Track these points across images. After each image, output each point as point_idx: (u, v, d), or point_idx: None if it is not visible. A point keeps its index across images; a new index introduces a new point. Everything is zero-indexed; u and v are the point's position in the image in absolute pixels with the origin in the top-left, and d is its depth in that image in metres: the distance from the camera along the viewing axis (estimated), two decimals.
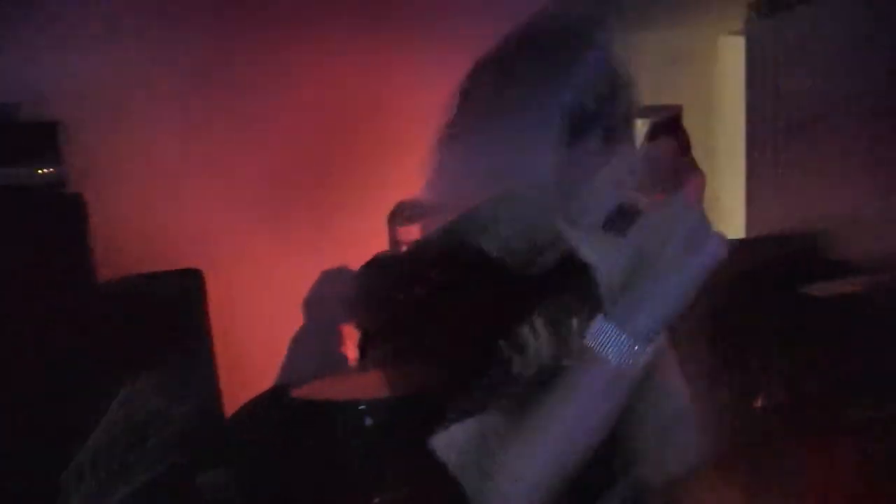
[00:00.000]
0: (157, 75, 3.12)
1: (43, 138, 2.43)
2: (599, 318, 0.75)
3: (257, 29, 3.33)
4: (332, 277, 3.59)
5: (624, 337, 0.73)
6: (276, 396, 3.10)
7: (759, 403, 3.69)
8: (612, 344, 0.73)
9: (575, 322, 0.89)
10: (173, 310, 2.77)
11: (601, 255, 0.81)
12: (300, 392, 2.23)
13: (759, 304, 3.87)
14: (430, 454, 0.80)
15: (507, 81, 0.86)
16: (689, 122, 6.47)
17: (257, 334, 3.43)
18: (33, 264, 2.34)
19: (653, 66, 6.55)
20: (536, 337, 0.85)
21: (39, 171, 2.35)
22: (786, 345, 3.76)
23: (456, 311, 0.83)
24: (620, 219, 0.77)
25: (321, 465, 2.72)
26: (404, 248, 2.94)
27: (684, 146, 3.94)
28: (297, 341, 3.58)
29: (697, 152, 4.57)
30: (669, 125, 4.01)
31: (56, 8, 2.92)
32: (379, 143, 3.71)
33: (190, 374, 2.73)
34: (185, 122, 3.20)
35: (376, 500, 2.11)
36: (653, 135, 4.06)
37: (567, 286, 0.89)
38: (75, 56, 2.92)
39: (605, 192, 0.84)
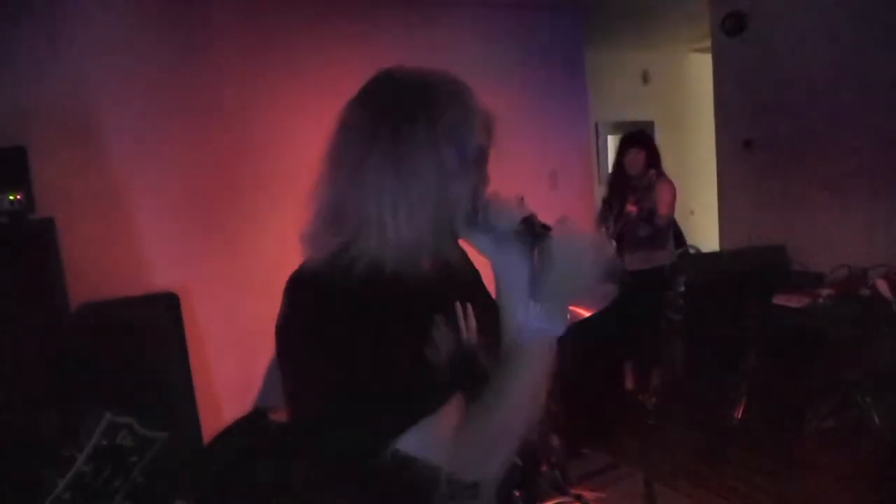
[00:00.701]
0: (124, 99, 3.10)
1: (10, 163, 2.39)
2: (531, 302, 0.91)
3: (225, 51, 3.34)
4: None
5: (556, 314, 0.91)
6: (254, 420, 3.06)
7: (737, 413, 3.73)
8: (545, 321, 0.90)
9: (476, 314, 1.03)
10: (150, 334, 2.72)
11: (504, 258, 0.98)
12: (280, 415, 2.20)
13: (733, 314, 3.93)
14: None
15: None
16: (661, 138, 6.60)
17: (232, 358, 3.39)
18: (5, 290, 2.30)
19: (625, 84, 6.71)
20: (441, 333, 0.96)
21: (9, 198, 2.31)
22: (760, 353, 3.82)
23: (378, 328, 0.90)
24: (528, 229, 0.96)
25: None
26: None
27: (654, 159, 4.02)
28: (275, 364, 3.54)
29: (671, 166, 4.65)
30: (639, 139, 4.09)
31: (18, 33, 2.89)
32: None
33: (168, 398, 2.69)
34: (155, 147, 3.18)
35: None
36: (624, 148, 4.14)
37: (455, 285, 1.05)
38: (39, 81, 2.89)
39: (503, 207, 1.00)
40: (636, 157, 4.02)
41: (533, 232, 0.95)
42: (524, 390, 0.91)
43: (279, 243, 3.49)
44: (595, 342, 3.72)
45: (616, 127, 6.28)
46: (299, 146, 3.53)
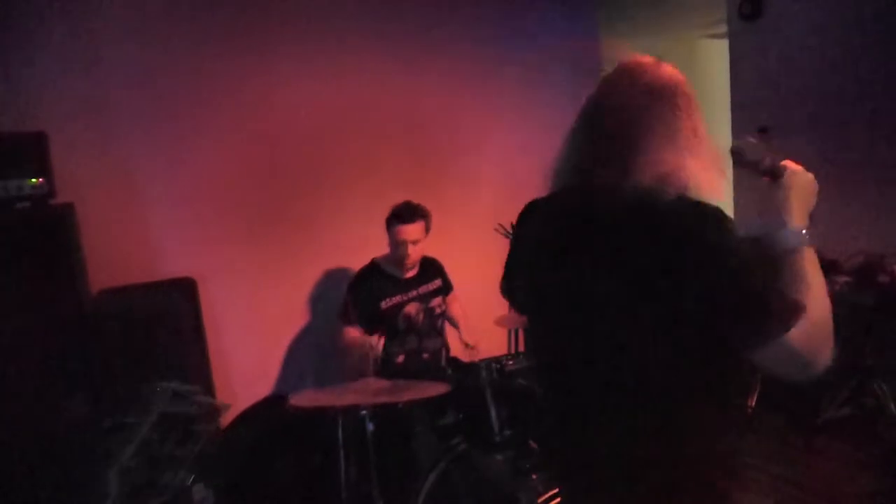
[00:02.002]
0: (143, 88, 3.11)
1: (31, 149, 2.40)
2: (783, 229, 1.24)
3: (242, 39, 3.33)
4: (326, 284, 3.59)
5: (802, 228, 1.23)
6: (275, 403, 3.09)
7: (750, 401, 3.72)
8: (797, 235, 1.23)
9: None
10: (168, 319, 2.75)
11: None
12: (298, 400, 2.21)
13: None
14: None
15: None
16: None
17: (248, 344, 3.41)
18: (26, 275, 2.32)
19: None
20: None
21: (32, 182, 2.32)
22: None
23: None
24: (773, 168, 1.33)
25: (319, 471, 2.71)
26: (406, 247, 2.95)
27: None
28: (293, 350, 3.57)
29: None
30: None
31: (40, 22, 2.90)
32: (371, 148, 3.72)
33: (186, 383, 2.71)
34: (173, 132, 3.19)
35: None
36: None
37: None
38: (59, 70, 2.90)
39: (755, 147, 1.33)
40: None
41: (775, 170, 1.30)
42: (818, 275, 1.18)
43: (295, 231, 3.52)
44: None
45: None
46: (316, 133, 3.56)
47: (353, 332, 2.90)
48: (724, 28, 4.86)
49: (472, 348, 3.10)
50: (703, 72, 6.83)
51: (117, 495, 0.84)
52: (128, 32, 3.06)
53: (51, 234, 2.38)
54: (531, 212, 1.42)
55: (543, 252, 1.27)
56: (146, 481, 0.84)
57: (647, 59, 1.30)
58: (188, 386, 0.89)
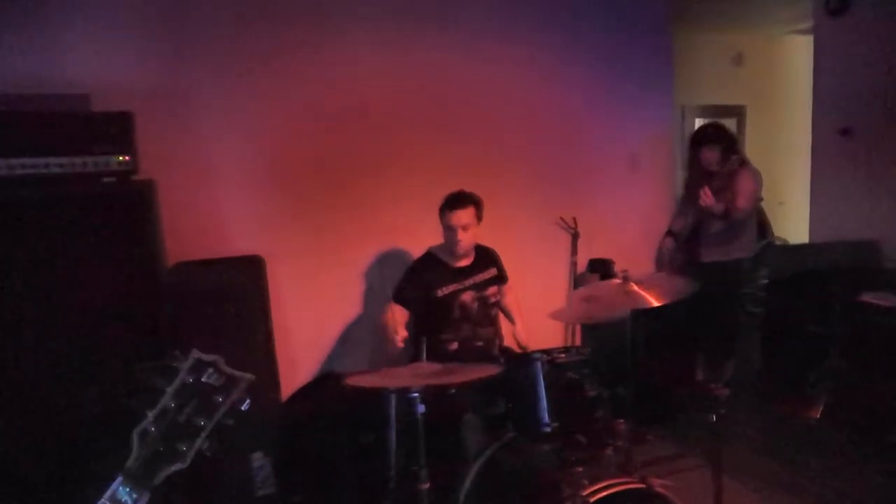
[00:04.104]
0: (221, 71, 3.26)
1: (117, 127, 2.56)
2: None
3: (309, 24, 3.44)
4: (384, 267, 3.68)
5: None
6: (330, 381, 3.20)
7: (815, 413, 3.60)
8: None
9: None
10: (236, 294, 2.88)
11: None
12: (353, 380, 2.29)
13: (818, 310, 3.78)
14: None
15: None
16: (752, 123, 6.34)
17: (310, 322, 3.54)
18: (108, 244, 2.48)
19: (716, 67, 6.46)
20: None
21: (118, 159, 2.48)
22: (844, 353, 3.66)
23: None
24: None
25: (369, 449, 2.80)
26: (457, 233, 2.99)
27: (732, 149, 3.87)
28: (350, 330, 3.68)
29: (761, 154, 4.48)
30: (711, 136, 3.94)
31: (130, 7, 3.08)
32: (433, 135, 3.78)
33: (250, 356, 2.85)
34: (246, 114, 3.34)
35: (426, 487, 2.16)
36: (695, 147, 4.00)
37: None
38: (143, 57, 3.09)
39: None
40: (710, 155, 3.89)
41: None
42: None
43: (357, 214, 3.61)
44: (668, 330, 3.67)
45: (704, 111, 6.07)
46: (382, 119, 3.63)
47: (397, 313, 2.95)
48: (808, 23, 4.66)
49: (526, 348, 3.13)
50: (785, 69, 6.58)
51: (137, 457, 0.90)
52: (208, 16, 3.21)
53: (133, 208, 2.53)
54: None
55: None
56: (164, 447, 0.89)
57: None
58: (212, 356, 0.94)
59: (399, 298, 3.05)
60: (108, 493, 0.91)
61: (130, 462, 0.91)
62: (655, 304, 2.30)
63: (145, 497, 0.91)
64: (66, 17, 2.94)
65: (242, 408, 0.97)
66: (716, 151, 3.87)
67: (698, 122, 6.03)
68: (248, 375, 0.98)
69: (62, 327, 2.40)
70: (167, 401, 0.93)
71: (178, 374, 0.94)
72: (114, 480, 0.92)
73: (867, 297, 3.53)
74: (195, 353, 0.96)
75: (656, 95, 4.51)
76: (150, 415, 0.93)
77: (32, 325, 2.38)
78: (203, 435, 0.93)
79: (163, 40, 3.14)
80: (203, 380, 0.94)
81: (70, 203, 2.43)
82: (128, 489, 0.90)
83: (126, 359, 2.40)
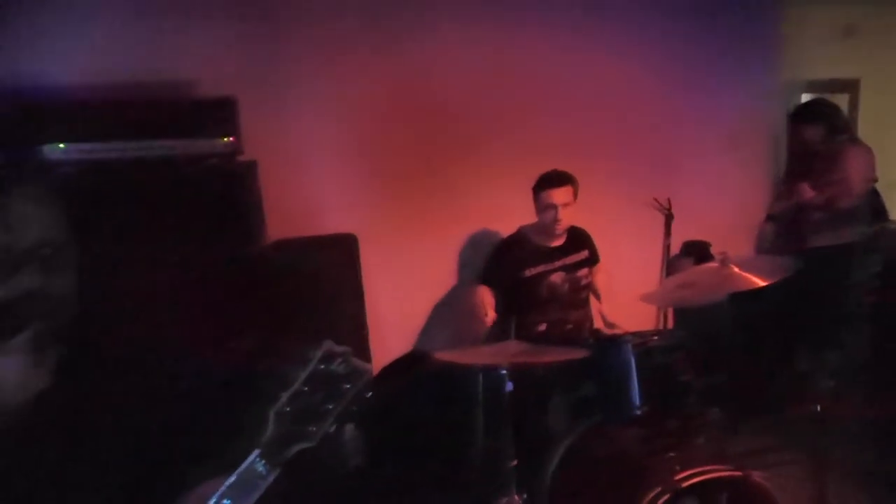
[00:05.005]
0: (318, 53, 3.36)
1: (221, 111, 2.69)
2: None
3: (403, 9, 3.48)
4: (473, 248, 3.70)
5: None
6: (419, 358, 3.27)
7: None
8: None
9: None
10: (331, 270, 2.99)
11: None
12: (443, 355, 2.34)
13: None
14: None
15: None
16: (866, 99, 5.90)
17: (400, 301, 3.62)
18: (211, 224, 2.61)
19: (825, 40, 6.04)
20: None
21: (223, 141, 2.61)
22: None
23: None
24: None
25: (456, 426, 2.85)
26: (557, 211, 2.97)
27: (838, 129, 3.62)
28: (438, 309, 3.73)
29: (877, 131, 4.17)
30: (814, 112, 3.69)
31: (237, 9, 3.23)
32: (525, 116, 3.75)
33: (344, 331, 2.95)
34: (341, 95, 3.42)
35: (512, 464, 2.19)
36: (796, 124, 3.76)
37: None
38: (245, 45, 3.22)
39: None
40: (812, 133, 3.64)
41: None
42: None
43: (448, 195, 3.65)
44: (767, 316, 3.51)
45: (811, 85, 5.70)
46: (475, 100, 3.64)
47: (486, 295, 2.96)
48: None
49: (614, 326, 3.07)
50: None
51: (271, 435, 0.98)
52: (307, 5, 3.32)
53: (236, 188, 2.66)
54: None
55: None
56: (296, 428, 0.98)
57: None
58: (343, 347, 1.01)
59: (486, 279, 3.06)
60: (245, 464, 0.98)
61: (266, 438, 0.99)
62: (759, 284, 2.19)
63: (277, 471, 0.99)
64: (173, 9, 3.10)
65: (367, 395, 1.04)
66: (819, 129, 3.63)
67: (805, 99, 5.69)
68: (370, 367, 1.06)
69: (169, 302, 2.54)
70: (300, 385, 1.01)
71: (310, 363, 1.03)
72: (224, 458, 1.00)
73: None
74: (327, 345, 1.05)
75: (758, 70, 4.27)
76: (285, 397, 1.01)
77: (141, 299, 2.51)
78: (331, 419, 1.01)
79: (264, 29, 3.26)
80: (332, 368, 1.02)
81: (178, 183, 2.56)
82: (263, 462, 0.98)
83: (227, 335, 2.52)
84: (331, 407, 1.00)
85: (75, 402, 1.03)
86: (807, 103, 3.85)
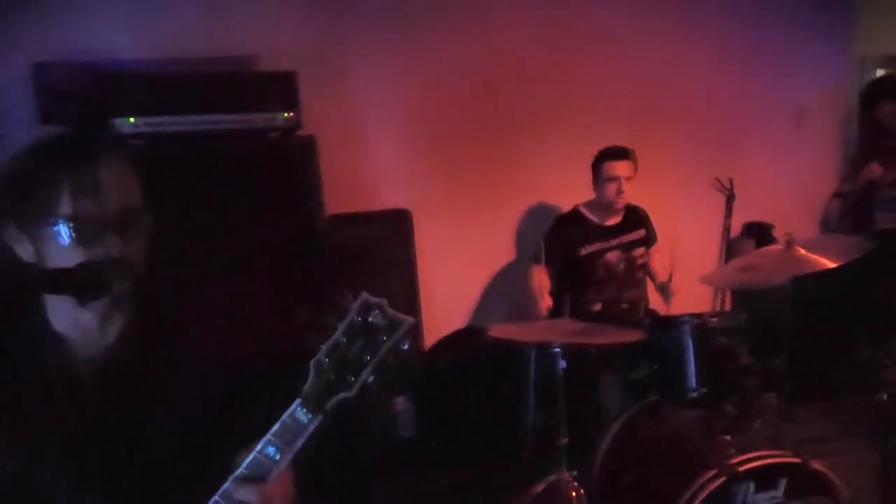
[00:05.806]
0: (377, 29, 3.37)
1: (282, 86, 2.72)
2: None
3: None
4: (528, 224, 3.69)
5: None
6: (472, 334, 3.29)
7: None
8: None
9: None
10: (385, 246, 3.02)
11: None
12: (497, 331, 2.35)
13: None
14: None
15: None
16: None
17: (454, 276, 3.63)
18: (273, 197, 2.67)
19: None
20: None
21: (284, 115, 2.65)
22: None
23: None
24: None
25: (509, 402, 2.87)
26: (620, 183, 2.93)
27: None
28: (492, 285, 3.74)
29: None
30: (890, 86, 3.50)
31: None
32: (582, 92, 3.69)
33: (396, 304, 2.99)
34: (397, 79, 3.44)
35: (564, 442, 2.19)
36: (873, 99, 3.57)
37: None
38: (307, 14, 3.25)
39: None
40: (887, 111, 3.45)
41: None
42: None
43: (503, 170, 3.63)
44: (830, 299, 3.39)
45: (889, 61, 5.41)
46: (532, 76, 3.60)
47: (542, 279, 2.95)
48: None
49: (667, 285, 2.99)
50: None
51: (312, 384, 1.01)
52: None
53: (296, 162, 2.70)
54: None
55: None
56: (335, 377, 1.01)
57: None
58: (378, 298, 1.03)
59: (540, 257, 3.05)
60: (288, 412, 1.01)
61: (307, 388, 1.01)
62: (827, 266, 2.12)
63: (318, 419, 1.01)
64: None
65: (404, 347, 1.05)
66: (894, 106, 3.46)
67: (879, 74, 5.41)
68: (410, 319, 1.06)
69: (228, 273, 2.57)
70: (339, 336, 1.03)
71: (348, 313, 1.03)
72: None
73: None
74: (364, 295, 1.05)
75: (831, 44, 4.09)
76: (324, 348, 1.03)
77: (201, 270, 2.57)
78: (368, 369, 1.02)
79: (325, 6, 3.29)
80: (370, 320, 1.03)
81: (240, 156, 2.61)
82: (304, 410, 1.01)
83: (283, 306, 2.58)
84: (368, 358, 1.02)
85: (139, 363, 1.09)
86: (881, 78, 3.67)
